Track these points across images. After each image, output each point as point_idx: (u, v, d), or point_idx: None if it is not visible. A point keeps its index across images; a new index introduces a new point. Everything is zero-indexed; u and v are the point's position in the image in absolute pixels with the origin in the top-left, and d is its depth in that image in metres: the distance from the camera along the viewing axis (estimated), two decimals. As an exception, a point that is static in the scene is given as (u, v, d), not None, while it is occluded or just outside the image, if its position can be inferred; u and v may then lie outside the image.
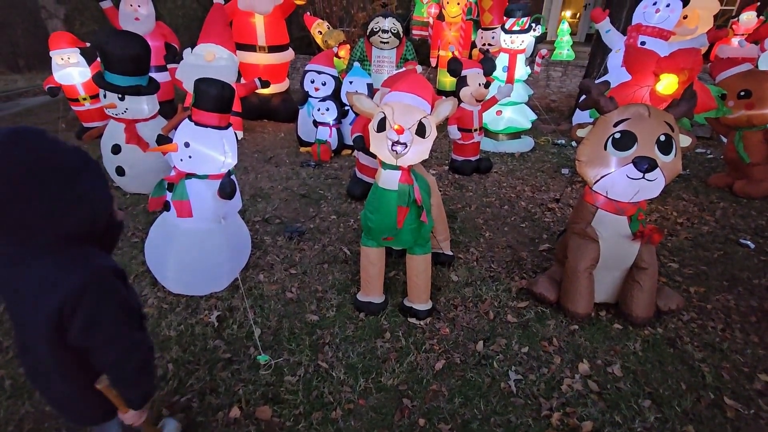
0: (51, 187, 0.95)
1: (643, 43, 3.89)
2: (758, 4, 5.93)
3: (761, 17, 5.80)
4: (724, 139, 4.05)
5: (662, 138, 1.92)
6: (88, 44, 4.78)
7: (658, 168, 1.91)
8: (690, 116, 2.26)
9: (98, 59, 4.31)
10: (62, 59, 4.53)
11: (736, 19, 6.02)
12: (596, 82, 2.17)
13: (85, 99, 4.78)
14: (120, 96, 3.14)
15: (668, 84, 2.66)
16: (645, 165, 1.89)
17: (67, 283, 0.99)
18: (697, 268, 2.78)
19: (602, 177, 2.03)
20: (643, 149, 1.92)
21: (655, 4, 3.84)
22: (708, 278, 2.68)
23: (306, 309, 2.37)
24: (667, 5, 3.80)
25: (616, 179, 2.00)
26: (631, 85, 2.94)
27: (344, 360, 2.04)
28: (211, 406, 1.80)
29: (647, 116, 1.95)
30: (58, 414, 1.31)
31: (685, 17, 4.52)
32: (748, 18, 5.83)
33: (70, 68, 4.58)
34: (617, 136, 1.97)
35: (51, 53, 4.54)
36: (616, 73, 3.83)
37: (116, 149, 3.36)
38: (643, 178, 1.93)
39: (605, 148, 2.00)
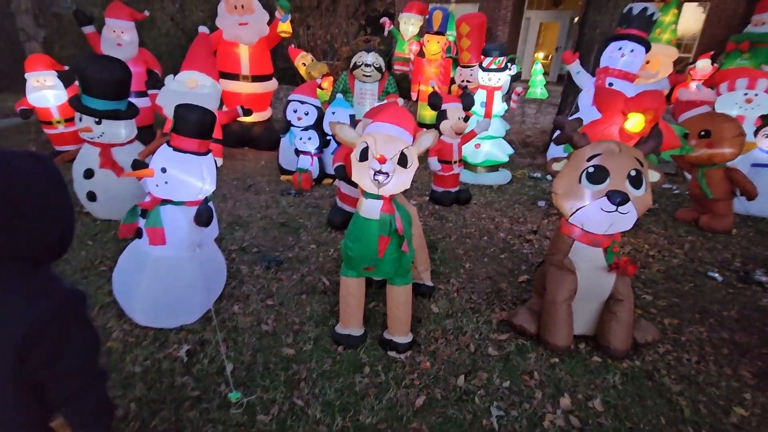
0: (24, 210, 0.92)
1: (610, 84, 4.14)
2: (712, 53, 6.45)
3: (715, 65, 6.30)
4: (689, 176, 4.26)
5: (633, 173, 2.00)
6: (66, 67, 4.72)
7: (630, 201, 1.98)
8: (657, 153, 2.38)
9: (75, 83, 4.25)
10: (38, 81, 4.45)
11: (694, 65, 6.52)
12: (569, 119, 2.26)
13: (59, 122, 4.67)
14: (96, 120, 3.08)
15: (636, 122, 2.81)
16: (618, 198, 1.96)
17: (34, 311, 0.95)
18: (670, 300, 2.84)
19: (578, 209, 2.08)
20: (616, 183, 1.99)
21: (620, 49, 4.12)
22: (680, 310, 2.74)
23: (282, 342, 2.28)
24: (632, 50, 4.08)
25: (590, 212, 2.05)
26: (601, 123, 3.08)
27: (321, 397, 1.95)
28: (176, 450, 1.67)
29: (618, 152, 2.03)
30: None
31: (647, 62, 4.86)
32: (704, 65, 6.33)
33: (45, 90, 4.49)
34: (591, 170, 2.04)
35: (26, 75, 4.45)
36: (587, 111, 4.03)
37: (89, 174, 3.27)
38: (617, 210, 1.99)
39: (580, 182, 2.06)
